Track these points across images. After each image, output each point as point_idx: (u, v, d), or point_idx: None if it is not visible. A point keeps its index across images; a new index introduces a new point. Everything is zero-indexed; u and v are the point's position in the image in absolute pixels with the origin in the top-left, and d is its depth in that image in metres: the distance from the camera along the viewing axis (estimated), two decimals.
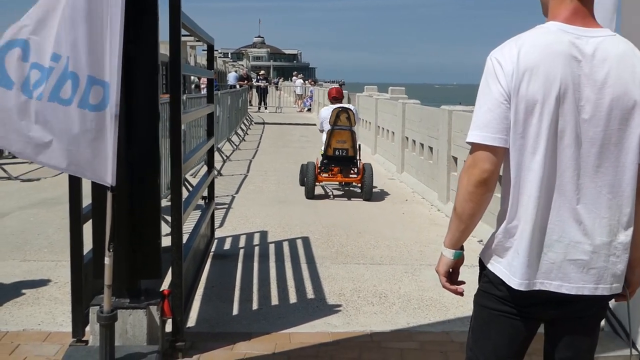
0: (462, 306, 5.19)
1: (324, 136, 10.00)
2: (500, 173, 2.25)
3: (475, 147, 2.22)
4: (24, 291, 5.23)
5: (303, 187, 9.88)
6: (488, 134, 2.18)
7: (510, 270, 2.22)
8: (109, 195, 3.52)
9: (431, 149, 10.23)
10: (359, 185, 9.94)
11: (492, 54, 2.23)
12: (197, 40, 26.44)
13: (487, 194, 2.23)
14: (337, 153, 9.82)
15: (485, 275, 2.36)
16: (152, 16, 3.89)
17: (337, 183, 10.36)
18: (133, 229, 3.97)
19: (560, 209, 2.17)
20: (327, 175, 9.98)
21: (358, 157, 9.99)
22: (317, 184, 9.89)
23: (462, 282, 2.44)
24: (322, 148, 10.05)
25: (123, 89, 3.39)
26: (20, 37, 3.21)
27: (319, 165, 9.97)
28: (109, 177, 3.41)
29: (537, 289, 2.20)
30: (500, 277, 2.25)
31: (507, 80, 2.16)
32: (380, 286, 5.65)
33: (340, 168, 9.95)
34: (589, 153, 2.17)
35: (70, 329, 4.18)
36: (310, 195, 9.68)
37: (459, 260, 2.39)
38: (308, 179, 9.70)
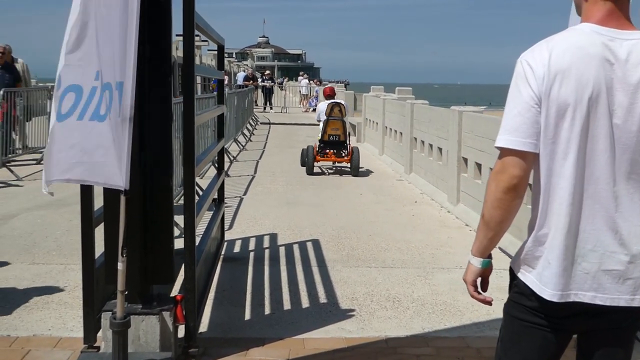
0: (477, 310, 5.12)
1: (321, 125, 12.48)
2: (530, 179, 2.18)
3: (504, 152, 2.15)
4: (33, 295, 5.17)
5: (311, 188, 10.41)
6: (518, 138, 2.11)
7: (541, 281, 2.15)
8: (123, 199, 3.46)
9: (440, 149, 10.15)
10: (349, 164, 12.22)
11: (523, 57, 2.16)
12: (202, 40, 26.29)
13: (516, 200, 2.16)
14: (331, 138, 12.39)
15: (516, 285, 2.28)
16: (165, 17, 3.84)
17: (331, 163, 12.73)
18: (145, 233, 3.91)
19: (595, 217, 2.10)
20: (323, 156, 12.36)
21: (348, 142, 12.50)
22: (315, 163, 12.19)
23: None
24: (320, 135, 12.48)
25: (136, 90, 3.33)
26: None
27: (316, 148, 12.32)
28: (122, 181, 3.35)
29: (570, 300, 2.12)
30: (532, 287, 2.17)
31: (537, 83, 2.09)
32: (393, 290, 5.58)
33: (334, 151, 12.41)
34: (622, 159, 2.10)
35: (81, 334, 4.12)
36: (310, 172, 12.03)
37: (487, 269, 2.32)
38: (308, 159, 12.04)
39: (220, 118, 6.30)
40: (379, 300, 5.31)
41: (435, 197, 9.88)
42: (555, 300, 2.12)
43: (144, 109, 3.78)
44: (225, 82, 30.12)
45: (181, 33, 4.02)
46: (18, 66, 13.17)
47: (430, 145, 10.75)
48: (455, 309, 5.16)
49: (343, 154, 12.41)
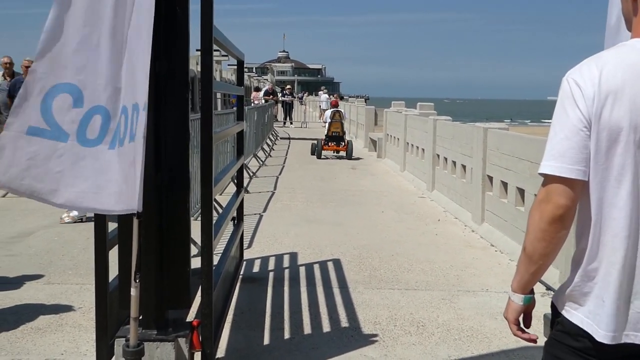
0: (505, 337, 4.90)
1: (327, 125, 18.23)
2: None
3: (549, 179, 1.96)
4: (47, 316, 5.04)
5: (331, 205, 10.37)
6: (564, 164, 1.93)
7: (594, 320, 1.95)
8: (135, 222, 3.31)
9: (464, 167, 9.93)
10: (345, 152, 17.92)
11: (569, 75, 1.98)
12: (223, 55, 26.14)
13: (562, 231, 1.97)
14: (333, 134, 18.12)
15: (559, 322, 2.09)
16: (182, 31, 3.70)
17: (333, 152, 18.27)
18: (161, 256, 3.76)
19: None
20: (328, 146, 18.08)
21: (345, 137, 18.46)
22: (322, 152, 17.88)
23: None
24: (325, 132, 18.28)
25: (151, 107, 3.18)
26: (65, 81, 2.94)
27: (323, 141, 18.07)
28: (135, 204, 3.20)
29: (622, 342, 1.93)
30: (582, 327, 1.98)
31: (587, 104, 1.90)
32: (417, 314, 5.37)
33: (335, 143, 18.08)
34: None
35: (94, 359, 3.96)
36: (318, 157, 17.74)
37: (530, 305, 2.13)
38: (318, 148, 17.94)
39: (240, 135, 6.15)
40: (402, 325, 5.11)
41: (459, 215, 9.65)
42: (607, 342, 1.92)
43: (159, 128, 3.64)
44: (252, 97, 30.24)
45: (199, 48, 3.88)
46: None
47: (454, 163, 10.54)
48: (483, 335, 4.95)
49: (341, 145, 18.13)
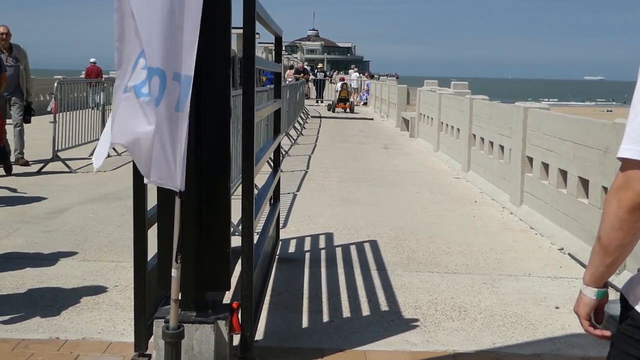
0: (552, 324, 4.76)
1: (338, 92, 28.43)
2: None
3: (628, 164, 1.80)
4: (83, 295, 4.99)
5: (365, 185, 10.29)
6: None
7: None
8: (177, 201, 3.22)
9: (502, 147, 9.70)
10: (349, 108, 27.97)
11: None
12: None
13: None
14: (342, 97, 28.07)
15: (631, 317, 1.93)
16: (224, 3, 3.57)
17: (342, 109, 27.62)
18: (200, 237, 3.67)
19: None
20: (338, 105, 27.79)
21: (349, 99, 28.55)
22: (336, 109, 27.58)
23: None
24: (337, 95, 28.39)
25: (194, 84, 3.07)
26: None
27: (336, 101, 27.98)
28: (178, 182, 3.10)
29: None
30: None
31: None
32: (458, 298, 5.23)
33: (342, 103, 27.89)
34: None
35: (131, 338, 3.91)
36: (332, 111, 27.34)
37: (602, 300, 1.98)
38: (332, 106, 28.02)
39: (277, 113, 6.03)
40: (443, 310, 4.97)
41: (496, 197, 9.45)
42: None
43: (200, 104, 3.53)
44: (287, 74, 30.70)
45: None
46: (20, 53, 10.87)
47: (491, 143, 10.31)
48: (527, 322, 4.80)
49: (347, 104, 28.10)
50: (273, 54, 6.84)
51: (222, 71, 3.60)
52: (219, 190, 3.68)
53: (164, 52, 2.92)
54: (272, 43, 6.46)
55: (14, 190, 8.85)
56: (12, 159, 10.48)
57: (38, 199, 8.40)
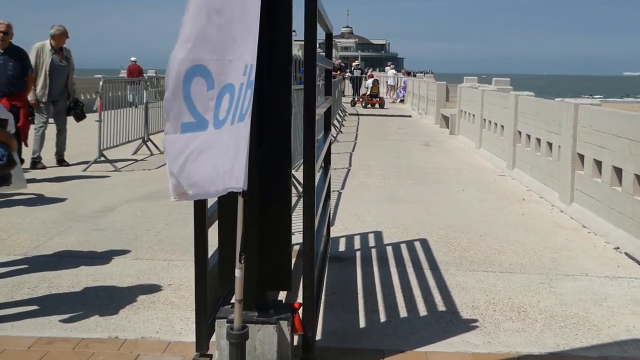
0: (615, 326, 4.63)
1: (369, 88, 29.77)
2: None
3: None
4: (138, 294, 4.99)
5: (409, 182, 10.29)
6: None
7: None
8: (240, 200, 3.18)
9: (550, 145, 9.52)
10: (379, 104, 29.42)
11: None
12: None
13: None
14: (372, 93, 29.72)
15: None
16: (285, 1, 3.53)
17: (372, 105, 29.25)
18: (262, 235, 3.63)
19: None
20: (370, 101, 29.51)
21: (379, 95, 30.40)
22: (368, 105, 29.31)
23: None
24: (368, 92, 29.78)
25: (256, 82, 3.02)
26: (196, 63, 2.71)
27: (367, 97, 29.71)
28: (242, 181, 3.05)
29: None
30: None
31: None
32: (516, 299, 5.12)
33: (374, 99, 29.57)
34: None
35: (190, 338, 3.90)
36: (365, 107, 29.28)
37: None
38: (365, 102, 29.80)
39: (328, 111, 5.97)
40: (502, 310, 4.87)
41: (545, 195, 9.28)
42: None
43: (262, 102, 3.49)
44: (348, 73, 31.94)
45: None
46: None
47: (538, 140, 10.13)
48: (590, 323, 4.67)
49: (377, 100, 29.51)
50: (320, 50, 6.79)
51: (284, 70, 3.55)
52: (280, 189, 3.64)
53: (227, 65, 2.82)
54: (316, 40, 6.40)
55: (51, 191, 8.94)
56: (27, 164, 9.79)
57: (85, 197, 8.47)
